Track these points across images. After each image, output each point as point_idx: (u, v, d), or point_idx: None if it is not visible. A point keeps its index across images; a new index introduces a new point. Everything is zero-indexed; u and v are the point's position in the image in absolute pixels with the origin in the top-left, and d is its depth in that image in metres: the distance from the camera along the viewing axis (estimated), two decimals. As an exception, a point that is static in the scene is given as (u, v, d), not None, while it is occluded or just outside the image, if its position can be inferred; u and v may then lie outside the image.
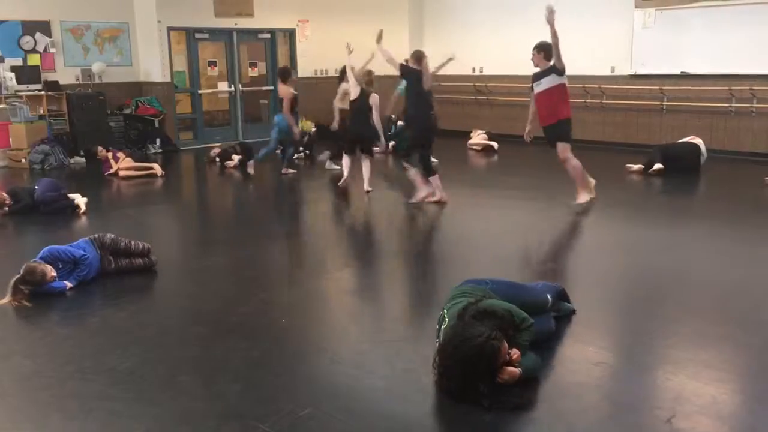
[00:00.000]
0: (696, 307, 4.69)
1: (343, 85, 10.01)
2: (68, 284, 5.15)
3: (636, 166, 9.60)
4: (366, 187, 8.61)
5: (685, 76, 11.17)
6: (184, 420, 3.30)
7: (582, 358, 3.91)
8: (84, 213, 7.76)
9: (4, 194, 7.73)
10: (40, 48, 11.73)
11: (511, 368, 3.44)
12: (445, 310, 3.76)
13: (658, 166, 9.36)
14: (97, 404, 3.45)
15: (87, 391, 3.59)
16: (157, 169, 10.18)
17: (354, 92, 8.69)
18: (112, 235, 5.56)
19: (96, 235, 5.52)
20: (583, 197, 7.57)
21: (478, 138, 12.40)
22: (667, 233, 6.67)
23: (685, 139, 9.96)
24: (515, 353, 3.49)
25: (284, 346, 4.17)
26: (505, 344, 3.42)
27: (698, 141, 9.77)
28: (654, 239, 6.49)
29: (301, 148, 11.71)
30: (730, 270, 5.52)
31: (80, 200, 7.89)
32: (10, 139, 11.21)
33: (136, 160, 10.36)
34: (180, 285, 5.57)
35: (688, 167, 9.47)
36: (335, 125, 10.31)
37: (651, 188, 8.92)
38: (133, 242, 5.61)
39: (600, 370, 3.79)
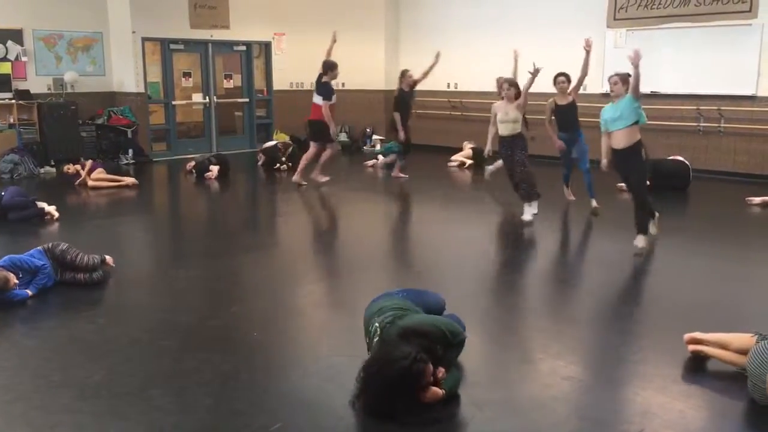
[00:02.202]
0: (665, 324, 4.75)
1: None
2: (29, 292, 5.10)
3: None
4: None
5: (654, 96, 11.36)
6: (154, 434, 3.27)
7: (552, 372, 3.95)
8: (57, 219, 7.70)
9: None
10: (12, 56, 11.59)
11: (434, 389, 3.45)
12: (377, 324, 3.74)
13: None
14: (64, 418, 3.41)
15: (54, 405, 3.54)
16: (128, 180, 10.10)
17: None
18: (64, 246, 5.48)
19: (49, 245, 5.48)
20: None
21: (461, 155, 12.35)
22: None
23: (673, 157, 10.07)
24: (441, 371, 3.50)
25: (256, 359, 4.15)
26: (430, 366, 3.42)
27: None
28: (626, 256, 6.58)
29: (283, 159, 11.75)
30: (701, 287, 5.61)
31: (50, 207, 7.82)
32: (-21, 148, 11.05)
33: (108, 172, 10.26)
34: (151, 297, 5.51)
35: (678, 186, 9.55)
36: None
37: (623, 204, 8.99)
38: (84, 256, 5.47)
39: (570, 384, 3.83)
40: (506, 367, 4.10)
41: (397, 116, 10.51)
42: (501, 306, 5.29)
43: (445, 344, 3.64)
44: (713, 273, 6.01)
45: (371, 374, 3.39)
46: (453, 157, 12.33)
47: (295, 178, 10.09)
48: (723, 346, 3.89)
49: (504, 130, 7.78)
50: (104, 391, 3.68)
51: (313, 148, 10.11)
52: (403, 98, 10.56)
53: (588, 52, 7.83)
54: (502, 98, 7.87)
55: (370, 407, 3.39)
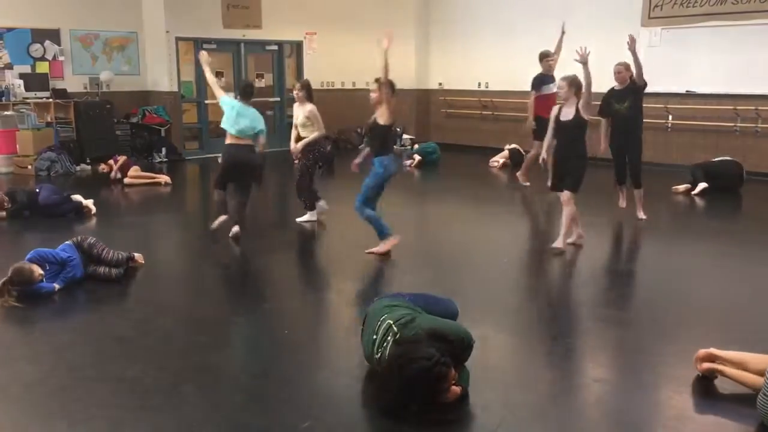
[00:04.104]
0: (702, 326, 4.68)
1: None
2: (56, 286, 5.20)
3: (682, 187, 9.43)
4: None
5: (690, 95, 11.21)
6: (186, 430, 3.31)
7: (583, 374, 3.91)
8: (94, 214, 7.87)
9: (3, 195, 7.82)
10: (49, 56, 11.81)
11: (455, 388, 3.43)
12: (391, 321, 3.64)
13: (702, 185, 9.27)
14: (99, 412, 3.46)
15: (90, 399, 3.60)
16: (163, 178, 10.25)
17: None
18: (92, 240, 5.60)
19: (79, 238, 5.59)
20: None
21: (501, 155, 12.30)
22: (674, 250, 6.67)
23: (722, 158, 9.93)
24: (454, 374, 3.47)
25: (286, 357, 4.18)
26: (453, 371, 3.40)
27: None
28: (660, 257, 6.49)
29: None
30: (736, 290, 5.50)
31: (87, 201, 7.99)
32: (17, 146, 11.28)
33: (143, 170, 10.46)
34: (184, 294, 5.58)
35: (728, 186, 9.41)
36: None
37: (663, 207, 8.81)
38: (109, 252, 5.57)
39: (601, 387, 3.79)
40: (537, 369, 4.06)
41: (602, 122, 8.06)
42: (531, 307, 5.25)
43: (463, 349, 3.63)
44: (758, 278, 5.87)
45: (393, 370, 3.35)
46: (494, 158, 12.26)
47: (519, 176, 9.90)
48: (742, 366, 3.61)
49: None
50: (138, 386, 3.74)
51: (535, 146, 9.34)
52: (609, 98, 8.08)
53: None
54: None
55: (384, 403, 3.37)
